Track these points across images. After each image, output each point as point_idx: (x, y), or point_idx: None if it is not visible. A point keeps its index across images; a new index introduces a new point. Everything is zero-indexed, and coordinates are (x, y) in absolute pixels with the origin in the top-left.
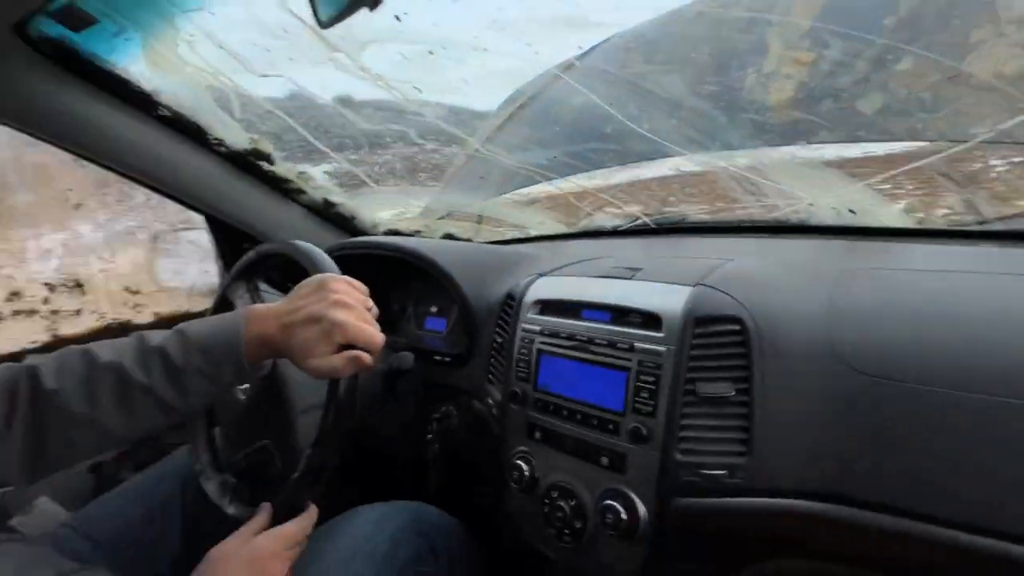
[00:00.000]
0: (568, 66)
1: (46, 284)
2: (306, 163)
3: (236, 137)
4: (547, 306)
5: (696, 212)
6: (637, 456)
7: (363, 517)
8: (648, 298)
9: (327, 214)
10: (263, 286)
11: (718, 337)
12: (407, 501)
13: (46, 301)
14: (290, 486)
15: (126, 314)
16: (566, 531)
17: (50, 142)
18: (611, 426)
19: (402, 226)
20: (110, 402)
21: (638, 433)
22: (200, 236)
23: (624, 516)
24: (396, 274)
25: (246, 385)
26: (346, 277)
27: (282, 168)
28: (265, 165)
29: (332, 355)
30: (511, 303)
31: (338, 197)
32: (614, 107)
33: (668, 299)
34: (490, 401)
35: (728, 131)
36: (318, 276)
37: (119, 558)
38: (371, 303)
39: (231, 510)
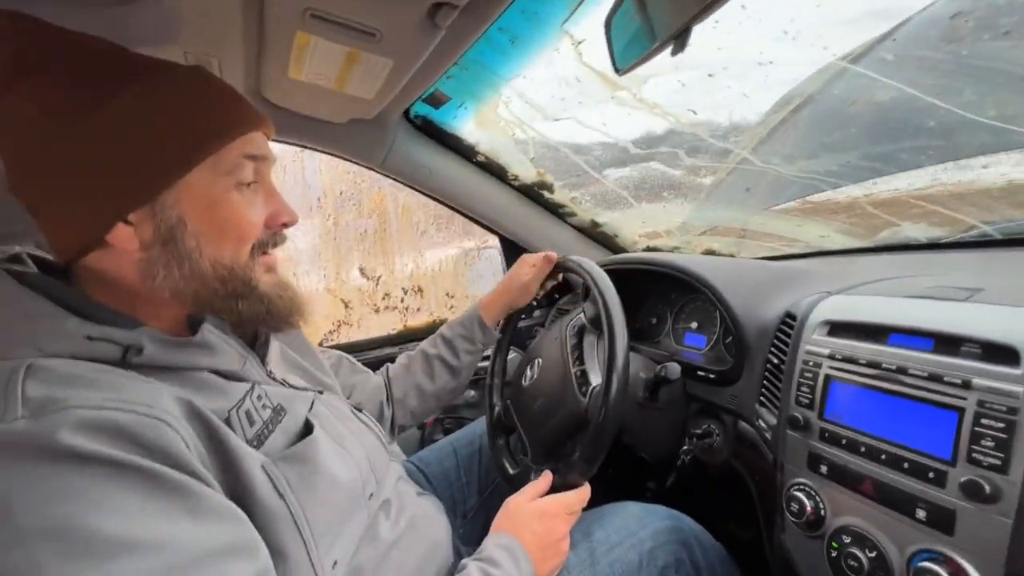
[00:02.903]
0: (870, 59)
1: (403, 288)
2: (579, 188)
3: (527, 172)
4: (839, 328)
5: None
6: (973, 517)
7: (628, 510)
8: (994, 325)
9: (593, 233)
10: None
11: None
12: (667, 508)
13: (402, 300)
14: (567, 467)
15: (445, 313)
16: None
17: (411, 187)
18: (932, 475)
19: (661, 243)
20: (420, 371)
21: (977, 489)
22: (494, 254)
23: None
24: (656, 288)
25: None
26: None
27: (559, 195)
28: (546, 194)
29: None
30: (790, 322)
31: (603, 217)
32: (940, 97)
33: None
34: (761, 424)
35: None
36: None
37: (440, 491)
38: None
39: (510, 470)
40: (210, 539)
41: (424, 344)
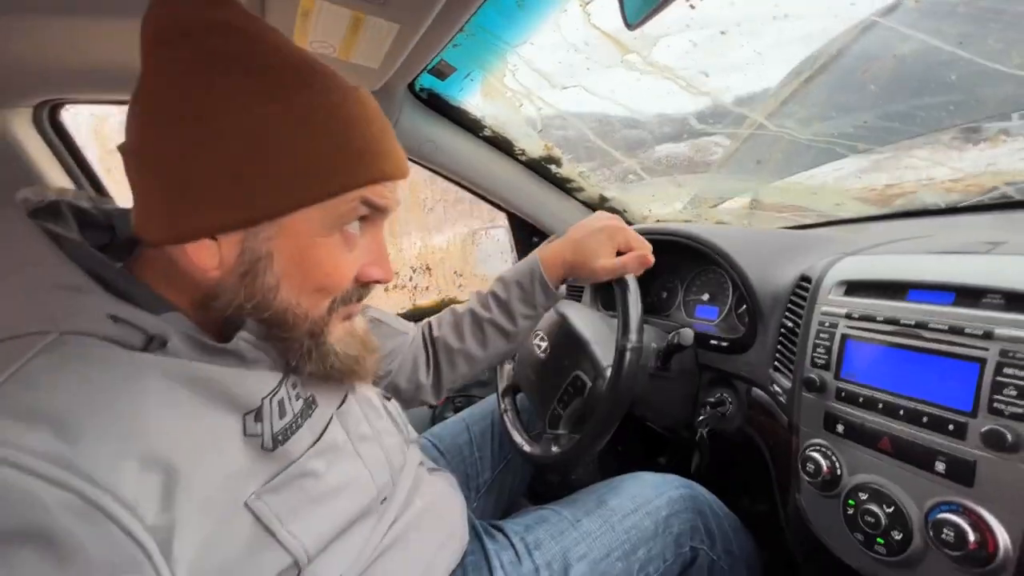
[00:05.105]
0: (891, 8)
1: (411, 267)
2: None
3: (534, 146)
4: (856, 287)
5: None
6: (994, 467)
7: (644, 479)
8: (1017, 275)
9: (602, 208)
10: None
11: None
12: (682, 477)
13: (411, 279)
14: (598, 397)
15: (453, 292)
16: (879, 540)
17: (416, 162)
18: (952, 427)
19: (669, 216)
20: (470, 336)
21: (998, 438)
22: (502, 233)
23: (972, 537)
24: (667, 261)
25: (544, 340)
26: None
27: (567, 169)
28: (554, 168)
29: (616, 257)
30: (805, 285)
31: (611, 192)
32: (963, 46)
33: None
34: (776, 388)
35: None
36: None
37: (454, 466)
38: None
39: (524, 446)
40: None
41: (475, 304)
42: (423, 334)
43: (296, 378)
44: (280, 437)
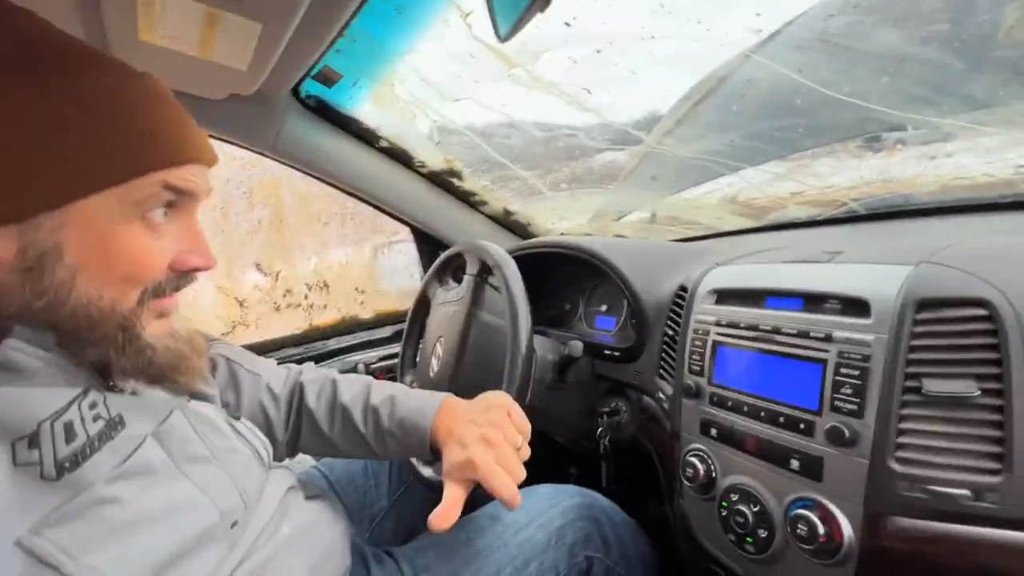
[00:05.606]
0: (763, 42)
1: (306, 284)
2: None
3: (434, 158)
4: (724, 295)
5: (926, 192)
6: (837, 462)
7: (538, 492)
8: (850, 281)
9: (506, 222)
10: (451, 281)
11: (954, 324)
12: (578, 486)
13: (306, 297)
14: None
15: (356, 309)
16: (748, 538)
17: (307, 173)
18: (803, 426)
19: (574, 230)
20: (339, 432)
21: (838, 435)
22: (407, 247)
23: (822, 530)
24: (568, 274)
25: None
26: (517, 410)
27: (469, 183)
28: (456, 181)
29: (461, 484)
30: (683, 295)
31: (516, 206)
32: (803, 74)
33: (878, 281)
34: (661, 396)
35: (969, 80)
36: (501, 400)
37: (346, 495)
38: (522, 445)
39: (423, 471)
40: None
41: (356, 410)
42: (289, 394)
43: (99, 396)
44: (68, 464)
